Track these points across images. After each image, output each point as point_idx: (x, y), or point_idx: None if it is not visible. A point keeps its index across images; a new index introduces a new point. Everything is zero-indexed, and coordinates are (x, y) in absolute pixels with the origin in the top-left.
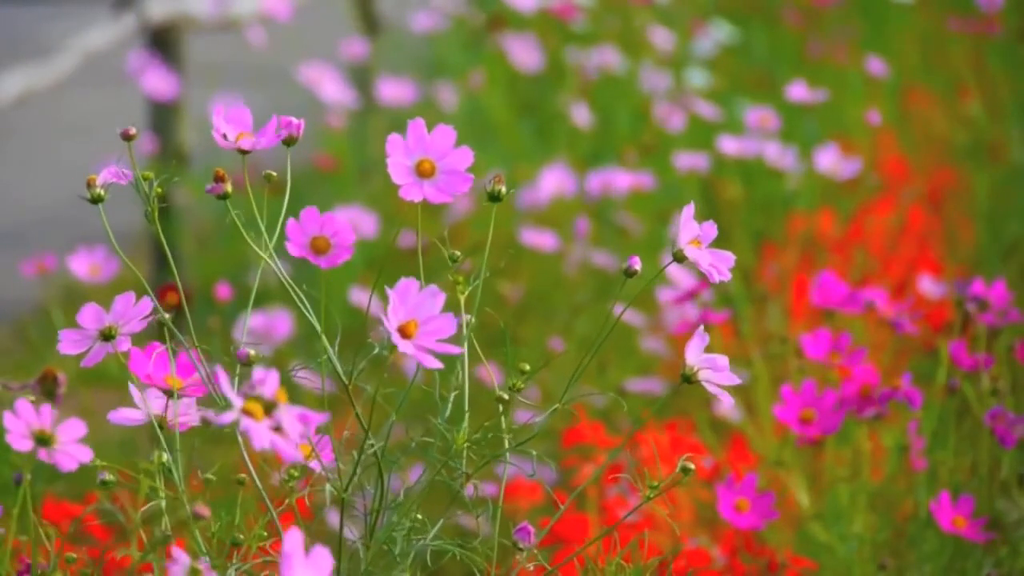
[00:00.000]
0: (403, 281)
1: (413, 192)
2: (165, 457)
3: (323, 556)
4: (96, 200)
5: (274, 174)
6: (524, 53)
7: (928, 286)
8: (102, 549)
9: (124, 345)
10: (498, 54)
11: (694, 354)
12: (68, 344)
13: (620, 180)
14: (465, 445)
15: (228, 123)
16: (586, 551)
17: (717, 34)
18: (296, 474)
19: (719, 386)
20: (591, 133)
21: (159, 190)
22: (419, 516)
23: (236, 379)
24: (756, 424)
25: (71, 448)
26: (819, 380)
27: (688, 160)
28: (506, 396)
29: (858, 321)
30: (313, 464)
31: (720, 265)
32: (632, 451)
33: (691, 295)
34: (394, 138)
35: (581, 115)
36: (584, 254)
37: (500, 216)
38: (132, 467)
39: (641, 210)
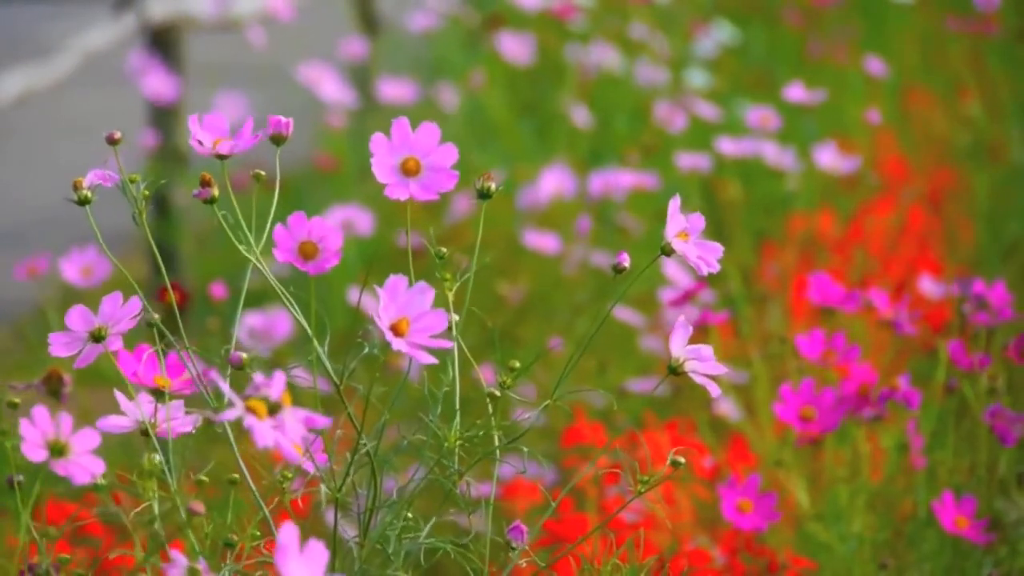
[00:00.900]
0: (392, 278)
1: (399, 191)
2: (157, 459)
3: (318, 550)
4: (83, 202)
5: (263, 174)
6: (518, 49)
7: (928, 286)
8: (98, 550)
9: (115, 344)
10: (497, 54)
11: (678, 346)
12: (59, 347)
13: (621, 180)
14: (457, 443)
15: (204, 130)
16: (584, 551)
17: (718, 34)
18: (290, 475)
19: (706, 376)
20: (591, 133)
21: (146, 193)
22: (411, 516)
23: (228, 378)
24: (756, 424)
25: (84, 459)
26: (818, 380)
27: (689, 160)
28: (497, 392)
29: (858, 321)
30: (307, 465)
31: (708, 257)
32: (632, 451)
33: (690, 295)
34: (378, 137)
35: (580, 115)
36: (584, 254)
37: (500, 216)
38: (130, 468)
39: (641, 210)
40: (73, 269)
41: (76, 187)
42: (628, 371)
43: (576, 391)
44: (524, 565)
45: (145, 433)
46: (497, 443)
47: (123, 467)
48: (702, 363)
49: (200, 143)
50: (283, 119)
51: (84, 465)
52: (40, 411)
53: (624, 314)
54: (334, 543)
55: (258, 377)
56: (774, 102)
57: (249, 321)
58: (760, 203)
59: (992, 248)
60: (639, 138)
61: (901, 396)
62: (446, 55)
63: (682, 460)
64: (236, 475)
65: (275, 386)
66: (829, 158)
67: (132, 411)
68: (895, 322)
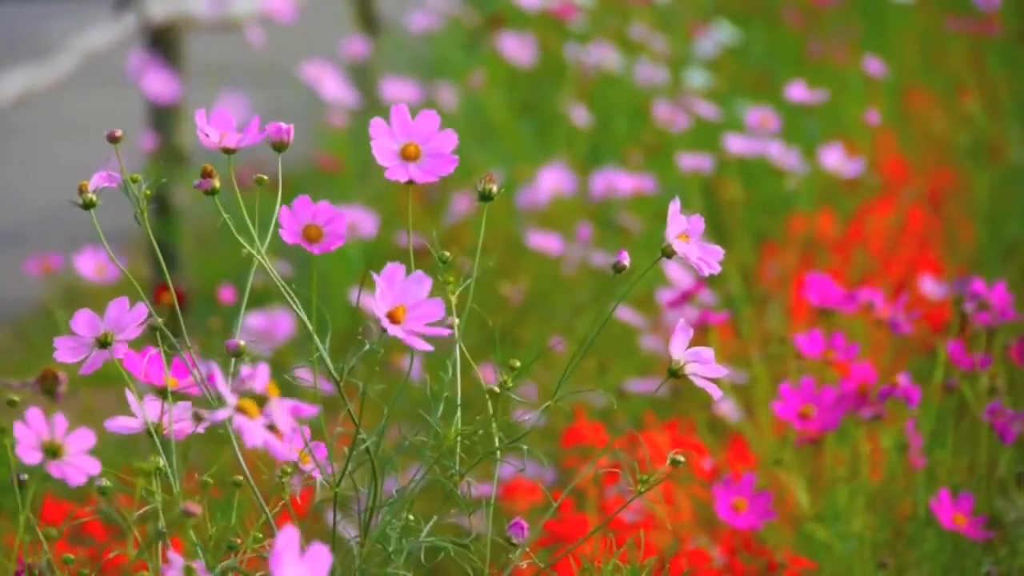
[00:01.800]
0: (389, 266)
1: (399, 173)
2: (161, 462)
3: (321, 554)
4: (88, 205)
5: (265, 178)
6: (519, 49)
7: (929, 286)
8: (99, 549)
9: (121, 351)
10: (497, 54)
11: (679, 348)
12: (65, 352)
13: (622, 181)
14: (457, 443)
15: (211, 125)
16: (585, 551)
17: (718, 34)
18: (289, 471)
19: (707, 379)
20: (590, 133)
21: (147, 192)
22: (411, 516)
23: (230, 378)
24: (756, 424)
25: (79, 460)
26: (818, 379)
27: (691, 161)
28: (496, 390)
29: (858, 322)
30: (306, 462)
31: (709, 259)
32: (632, 452)
33: (689, 295)
34: (377, 122)
35: (580, 115)
36: (585, 254)
37: (500, 216)
38: (131, 468)
39: (642, 210)
40: (88, 266)
41: (81, 190)
42: (628, 371)
43: (577, 392)
44: (525, 566)
45: (155, 433)
46: (498, 443)
47: (124, 467)
48: (703, 366)
49: (207, 136)
50: (284, 126)
51: (79, 466)
52: (34, 412)
53: (625, 314)
54: (333, 542)
55: (244, 369)
56: (774, 102)
57: (251, 321)
58: (760, 203)
59: (992, 248)
60: (639, 138)
61: (901, 393)
62: (446, 55)
63: (681, 459)
64: (240, 477)
65: (259, 378)
66: (834, 159)
67: (141, 412)
68: (892, 322)
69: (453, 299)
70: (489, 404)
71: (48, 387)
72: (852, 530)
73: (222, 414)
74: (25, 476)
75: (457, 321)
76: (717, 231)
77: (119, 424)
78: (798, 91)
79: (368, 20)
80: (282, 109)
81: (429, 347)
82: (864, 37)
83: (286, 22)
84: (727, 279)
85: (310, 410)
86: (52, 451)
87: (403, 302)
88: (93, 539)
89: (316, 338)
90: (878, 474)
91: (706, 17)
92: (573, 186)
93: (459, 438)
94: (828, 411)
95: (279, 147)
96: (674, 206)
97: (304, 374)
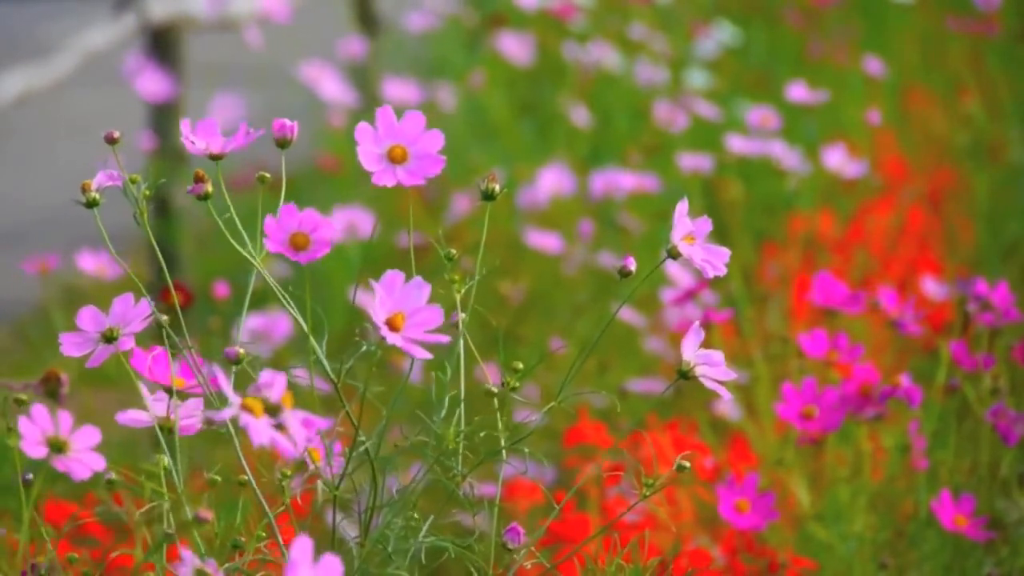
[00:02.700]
0: (389, 273)
1: (386, 177)
2: (166, 461)
3: (332, 564)
4: (91, 204)
5: (268, 176)
6: (518, 49)
7: (930, 287)
8: (104, 550)
9: (127, 345)
10: (497, 54)
11: (690, 350)
12: (70, 347)
13: (623, 181)
14: (459, 444)
15: (197, 134)
16: (587, 552)
17: (718, 35)
18: (289, 472)
19: (716, 381)
20: (591, 133)
21: (147, 192)
22: (415, 516)
23: (232, 378)
24: (757, 424)
25: (85, 456)
26: (819, 379)
27: (691, 161)
28: (496, 390)
29: (859, 322)
30: (307, 462)
31: (714, 260)
32: (634, 451)
33: (691, 295)
34: (363, 127)
35: (580, 115)
36: (585, 254)
37: (500, 216)
38: (133, 468)
39: (642, 210)
40: (90, 266)
41: (84, 189)
42: (629, 371)
43: (579, 393)
44: (529, 567)
45: (163, 430)
46: (502, 443)
47: (125, 467)
48: (712, 368)
49: (192, 143)
50: (288, 122)
51: (84, 461)
52: (39, 409)
53: (625, 314)
54: (332, 543)
55: (263, 376)
56: (774, 102)
57: (250, 322)
58: (761, 203)
59: (992, 248)
60: (639, 138)
61: (903, 393)
62: (446, 55)
63: (687, 464)
64: (244, 477)
65: (276, 388)
66: (836, 160)
67: (153, 408)
68: (898, 322)
69: (459, 298)
70: (496, 404)
71: (51, 388)
72: (853, 530)
73: (228, 413)
74: (30, 475)
75: (464, 316)
76: (718, 231)
77: (130, 417)
78: (798, 91)
79: (367, 20)
80: (282, 109)
81: (428, 355)
82: (864, 37)
83: (282, 22)
84: (728, 279)
85: (321, 423)
86: (57, 446)
87: (402, 309)
88: (95, 540)
89: (312, 340)
90: (879, 474)
91: (706, 17)
92: (573, 186)
93: (461, 438)
94: (830, 412)
95: (282, 144)
96: (681, 207)
97: (303, 374)
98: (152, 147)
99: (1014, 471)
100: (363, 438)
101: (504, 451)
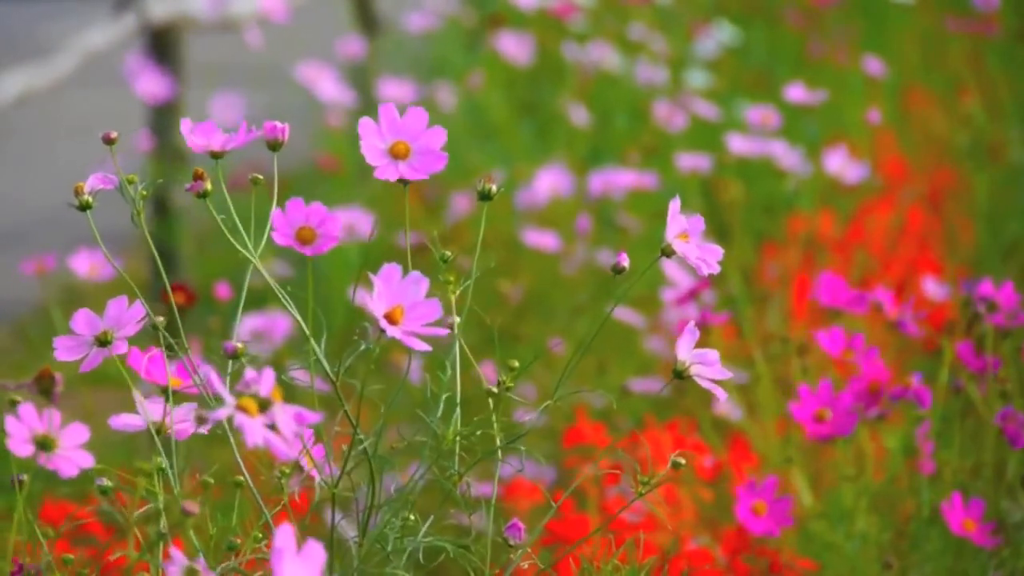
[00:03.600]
0: (386, 267)
1: (389, 172)
2: (163, 462)
3: (316, 551)
4: (84, 207)
5: (261, 177)
6: (518, 49)
7: (931, 287)
8: (100, 550)
9: (121, 348)
10: (496, 54)
11: (685, 350)
12: (64, 351)
13: (621, 180)
14: (456, 443)
15: (194, 134)
16: (585, 551)
17: (719, 35)
18: (288, 471)
19: (711, 380)
20: (590, 133)
21: (144, 193)
22: (411, 516)
23: (228, 378)
24: (758, 424)
25: (72, 453)
26: (821, 379)
27: (690, 161)
28: (495, 390)
29: (859, 321)
30: (304, 462)
31: (709, 258)
32: (633, 451)
33: (692, 295)
34: (366, 121)
35: (580, 115)
36: (584, 254)
37: (499, 216)
38: (132, 469)
39: (641, 210)
40: (83, 266)
41: (77, 192)
42: (629, 371)
43: (577, 392)
44: (526, 566)
45: (157, 432)
46: (497, 443)
47: (123, 467)
48: (708, 367)
49: (194, 140)
50: (279, 124)
51: (72, 459)
52: (26, 407)
53: (624, 314)
54: (331, 542)
55: (249, 373)
56: (774, 102)
57: (250, 322)
58: (760, 203)
59: (992, 248)
60: (639, 138)
61: (912, 394)
62: (445, 55)
63: (683, 461)
64: (240, 477)
65: (265, 382)
66: (837, 163)
67: (146, 412)
68: (900, 322)
69: (453, 298)
70: (490, 403)
71: (45, 387)
72: (856, 530)
73: (223, 413)
74: (23, 476)
75: (457, 320)
76: (718, 231)
77: (123, 422)
78: (797, 92)
79: (367, 20)
80: (281, 109)
81: (427, 347)
82: (864, 37)
83: (280, 22)
84: (728, 279)
85: (313, 417)
86: (44, 444)
87: (401, 302)
88: (94, 539)
89: (311, 339)
90: (881, 474)
91: (706, 17)
92: (571, 186)
93: (458, 438)
94: (844, 416)
95: (274, 146)
96: (674, 205)
97: (303, 374)
98: (152, 147)
99: (1019, 473)
100: (361, 435)
101: (501, 451)
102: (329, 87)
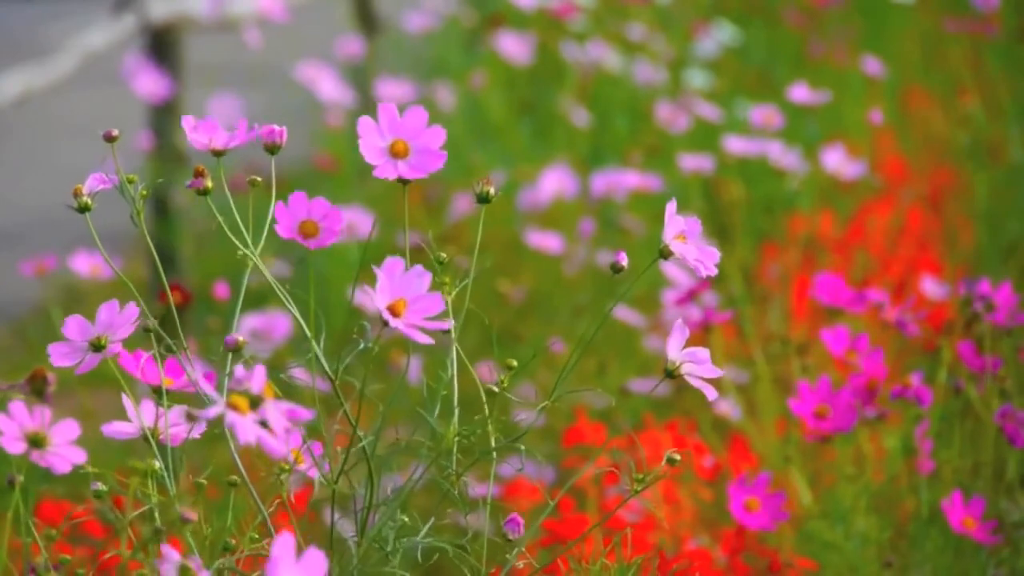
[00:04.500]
0: (389, 260)
1: (388, 171)
2: (157, 464)
3: (316, 559)
4: (83, 209)
5: (259, 180)
6: (517, 49)
7: (930, 287)
8: (96, 550)
9: (117, 351)
10: (496, 54)
11: (675, 348)
12: (59, 357)
13: (624, 181)
14: (455, 443)
15: (196, 132)
16: (584, 551)
17: (719, 35)
18: (288, 467)
19: (702, 379)
20: (590, 133)
21: (144, 193)
22: (406, 517)
23: (227, 377)
24: (757, 424)
25: (64, 450)
26: (821, 376)
27: (692, 161)
28: (494, 389)
29: (858, 321)
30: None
31: (706, 260)
32: (633, 451)
33: (692, 295)
34: (365, 120)
35: (580, 115)
36: (586, 254)
37: (501, 216)
38: (128, 469)
39: (642, 211)
40: (84, 266)
41: (76, 194)
42: (629, 371)
43: (576, 391)
44: (522, 566)
45: (151, 437)
46: (494, 442)
47: (122, 467)
48: (699, 366)
49: (196, 137)
50: (276, 128)
51: (64, 455)
52: (17, 405)
53: (625, 314)
54: (330, 541)
55: (239, 370)
56: (774, 102)
57: (249, 322)
58: (761, 204)
59: (992, 248)
60: (639, 138)
61: (912, 394)
62: (445, 55)
63: (678, 457)
64: (235, 477)
65: (256, 379)
66: (835, 161)
67: (136, 418)
68: (899, 322)
69: (450, 300)
70: (485, 404)
71: (37, 387)
72: (856, 529)
73: (213, 411)
74: (19, 477)
75: (453, 322)
76: (718, 231)
77: (116, 429)
78: (800, 92)
79: (367, 20)
80: (280, 109)
81: (430, 340)
82: (864, 37)
83: (279, 21)
84: (728, 279)
85: (305, 413)
86: (36, 441)
87: (403, 295)
88: (91, 539)
89: (311, 337)
90: (880, 474)
91: (706, 17)
92: (575, 187)
93: (456, 438)
94: (844, 412)
95: (271, 149)
96: (671, 207)
97: (302, 374)
98: (151, 147)
99: (1018, 472)
100: (360, 433)
101: (500, 450)
102: (328, 87)
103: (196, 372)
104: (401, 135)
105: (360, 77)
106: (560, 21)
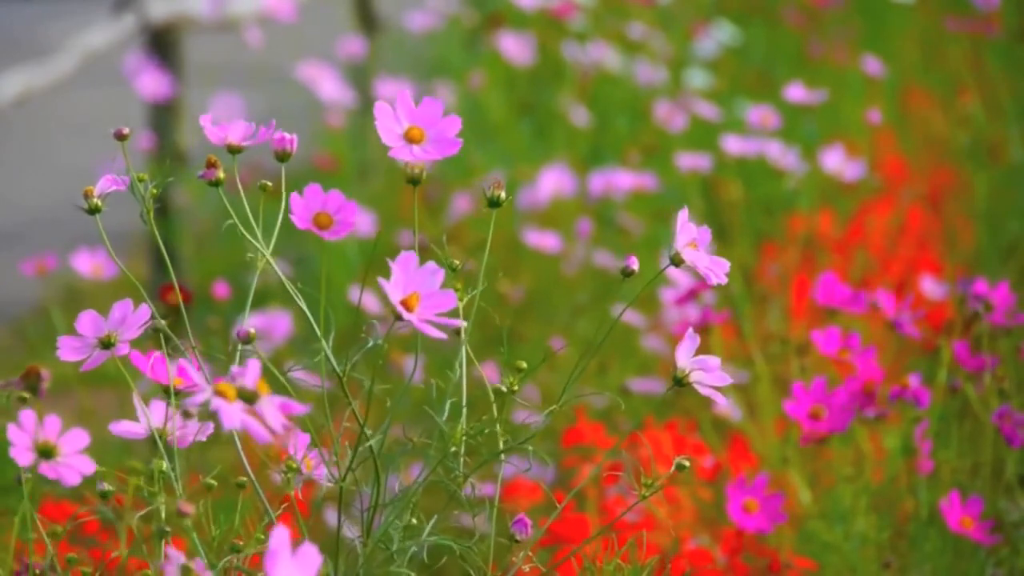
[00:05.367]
0: (403, 254)
1: (403, 153)
2: (165, 465)
3: (311, 553)
4: (94, 211)
5: (269, 184)
6: (518, 49)
7: (930, 287)
8: (103, 550)
9: (124, 351)
10: (497, 54)
11: (685, 356)
12: (68, 351)
13: (622, 180)
14: (462, 444)
15: (214, 127)
16: (585, 551)
17: (719, 35)
18: (295, 465)
19: (711, 387)
20: (590, 133)
21: (155, 191)
22: (415, 519)
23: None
24: (757, 424)
25: (73, 460)
26: (815, 377)
27: (690, 160)
28: (504, 389)
29: (857, 321)
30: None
31: (717, 269)
32: (633, 451)
33: (692, 295)
34: (382, 105)
35: (580, 115)
36: (585, 254)
37: (500, 216)
38: (131, 469)
39: (641, 210)
40: (85, 266)
41: (87, 196)
42: (629, 371)
43: (583, 396)
44: (528, 569)
45: (159, 437)
46: (502, 444)
47: (122, 468)
48: (708, 374)
49: (214, 134)
50: (287, 136)
51: (74, 466)
52: (27, 414)
53: (625, 314)
54: (338, 541)
55: (234, 368)
56: (774, 102)
57: (250, 321)
58: (760, 203)
59: (992, 248)
60: (639, 138)
61: (911, 395)
62: (446, 55)
63: (687, 464)
64: (243, 479)
65: (250, 374)
66: (834, 161)
67: (145, 419)
68: (897, 322)
69: (460, 305)
70: (494, 406)
71: (31, 384)
72: (855, 530)
73: (200, 398)
74: (27, 475)
75: (465, 325)
76: (717, 231)
77: (124, 429)
78: (797, 92)
79: (367, 20)
80: (280, 109)
81: (442, 335)
82: (864, 37)
83: (286, 21)
84: (728, 279)
85: (300, 408)
86: (45, 452)
87: (416, 290)
88: (93, 539)
89: (321, 336)
90: (879, 474)
91: (706, 17)
92: (573, 186)
93: (463, 439)
94: (839, 413)
95: (282, 157)
96: (683, 215)
97: (301, 374)
98: (152, 147)
99: (1016, 472)
100: (369, 432)
101: (506, 452)
102: (329, 87)
103: (205, 372)
104: (417, 122)
105: (360, 77)
106: (560, 21)
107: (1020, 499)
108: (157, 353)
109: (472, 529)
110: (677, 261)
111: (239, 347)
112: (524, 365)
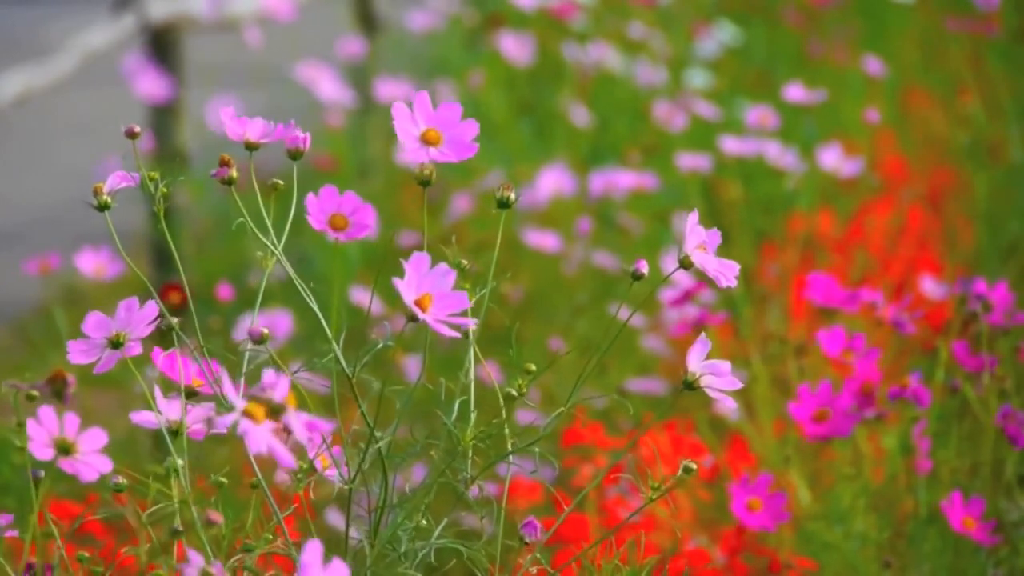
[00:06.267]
0: (416, 254)
1: (420, 154)
2: (179, 463)
3: (340, 569)
4: (103, 207)
5: (281, 183)
6: (517, 49)
7: (929, 286)
8: (113, 549)
9: (134, 350)
10: (496, 54)
11: (696, 360)
12: (77, 354)
13: (622, 180)
14: (471, 445)
15: (232, 123)
16: (586, 552)
17: (719, 35)
18: (305, 466)
19: (721, 391)
20: (590, 133)
21: (165, 190)
22: (423, 520)
23: (243, 376)
24: (756, 424)
25: (91, 458)
26: (820, 380)
27: (690, 160)
28: (515, 393)
29: (857, 321)
30: (318, 463)
31: (726, 272)
32: (633, 451)
33: (690, 295)
34: (400, 106)
35: (580, 115)
36: (585, 254)
37: (499, 216)
38: (135, 468)
39: (641, 210)
40: (88, 266)
41: (97, 192)
42: (628, 371)
43: (588, 399)
44: (535, 572)
45: (174, 432)
46: (510, 446)
47: (126, 467)
48: (719, 378)
49: (232, 129)
50: (300, 134)
51: (92, 463)
52: (46, 411)
53: (623, 313)
54: (346, 543)
55: (267, 376)
56: (774, 102)
57: (249, 322)
58: (760, 203)
59: (992, 248)
60: (639, 138)
61: (911, 394)
62: (446, 55)
63: (694, 467)
64: (256, 480)
65: (280, 388)
66: (832, 159)
67: (166, 411)
68: (896, 322)
69: (470, 304)
70: (504, 406)
71: (57, 389)
72: (855, 529)
73: (230, 419)
74: (41, 472)
75: (474, 327)
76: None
77: (144, 418)
78: (796, 92)
79: (367, 20)
80: (280, 109)
81: (456, 333)
82: (864, 37)
83: (286, 21)
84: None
85: (325, 425)
86: (64, 448)
87: (429, 291)
88: (96, 539)
89: (332, 337)
90: (879, 474)
91: (706, 17)
92: (573, 186)
93: (471, 441)
94: (842, 417)
95: (294, 155)
96: (692, 218)
97: (302, 374)
98: (152, 147)
99: (1016, 472)
100: (378, 433)
101: (514, 453)
102: (328, 87)
103: (216, 375)
104: (435, 125)
105: (360, 77)
106: (560, 21)
107: (1020, 499)
108: (173, 351)
109: (477, 530)
110: (686, 264)
111: (248, 347)
112: (533, 368)
